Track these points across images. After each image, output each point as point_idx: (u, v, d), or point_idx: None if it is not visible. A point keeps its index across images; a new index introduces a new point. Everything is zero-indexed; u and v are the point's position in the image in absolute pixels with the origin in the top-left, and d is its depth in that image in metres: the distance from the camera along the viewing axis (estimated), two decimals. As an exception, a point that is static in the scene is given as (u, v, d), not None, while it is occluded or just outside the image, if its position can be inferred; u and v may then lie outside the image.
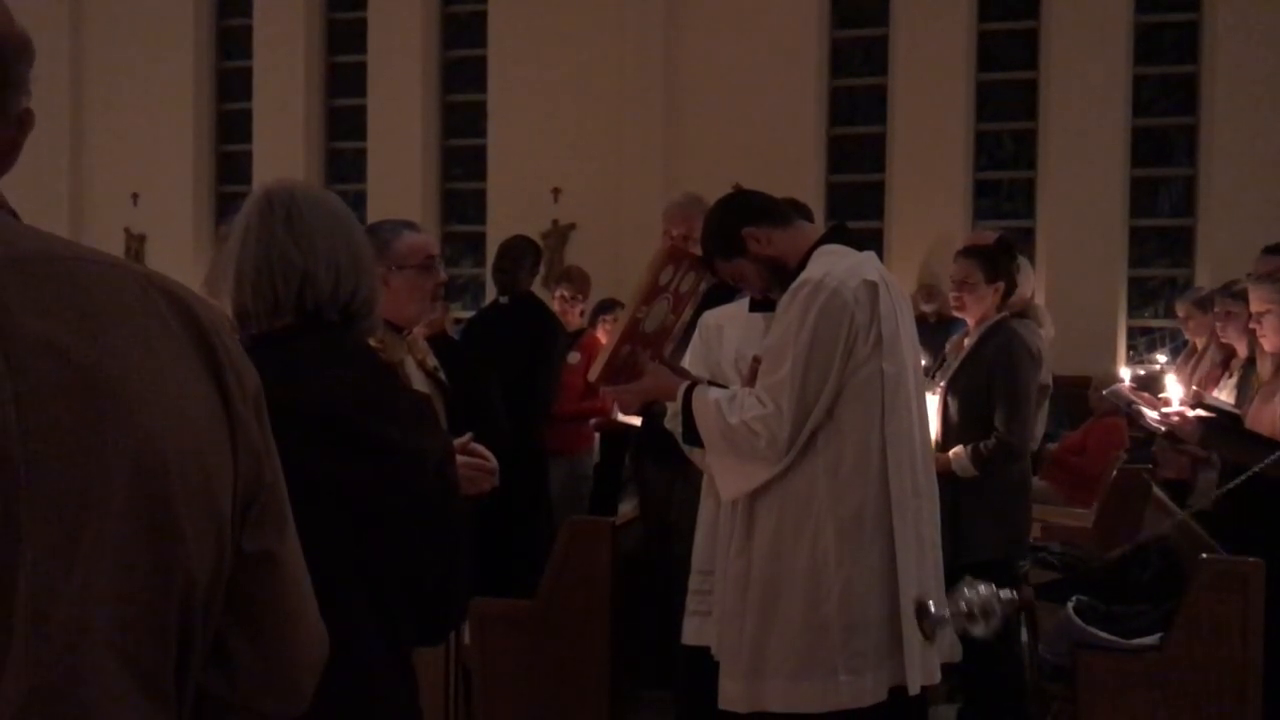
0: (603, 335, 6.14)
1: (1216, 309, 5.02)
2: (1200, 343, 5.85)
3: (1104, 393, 4.76)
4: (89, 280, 0.88)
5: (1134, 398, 4.42)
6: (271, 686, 1.03)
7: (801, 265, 2.75)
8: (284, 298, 1.58)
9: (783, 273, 2.78)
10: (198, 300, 0.97)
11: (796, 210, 3.11)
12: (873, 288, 2.65)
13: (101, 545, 0.83)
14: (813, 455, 2.66)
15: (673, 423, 2.86)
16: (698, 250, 3.03)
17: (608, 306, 6.61)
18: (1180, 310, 6.11)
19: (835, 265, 2.69)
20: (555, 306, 5.80)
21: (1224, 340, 4.95)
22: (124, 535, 0.84)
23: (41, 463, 0.81)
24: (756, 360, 2.79)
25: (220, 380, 0.95)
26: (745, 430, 2.64)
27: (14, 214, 0.96)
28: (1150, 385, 5.70)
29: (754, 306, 3.18)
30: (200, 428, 0.91)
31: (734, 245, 2.83)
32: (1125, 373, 5.85)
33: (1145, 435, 5.18)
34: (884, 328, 2.65)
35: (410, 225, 2.83)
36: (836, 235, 2.87)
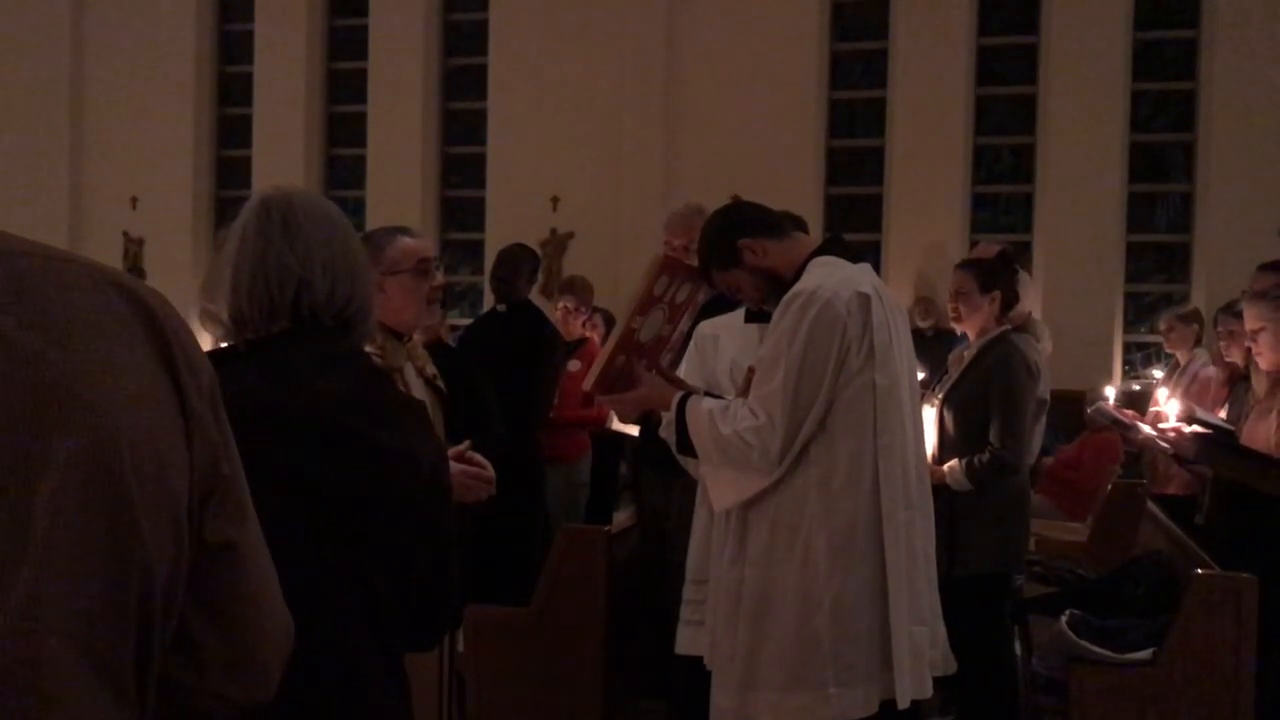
0: (587, 332, 6.14)
1: (1219, 328, 5.05)
2: (1182, 356, 5.90)
3: (1089, 411, 4.77)
4: (40, 274, 0.88)
5: (1119, 415, 4.43)
6: (238, 673, 1.04)
7: (796, 277, 2.76)
8: (279, 303, 1.59)
9: (778, 284, 2.79)
10: (152, 294, 0.97)
11: (792, 223, 3.12)
12: (865, 300, 2.66)
13: (54, 538, 0.82)
14: (805, 467, 2.66)
15: (667, 432, 2.87)
16: (696, 261, 3.04)
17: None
18: (1163, 324, 6.17)
19: (829, 277, 2.69)
20: (558, 317, 5.81)
21: (1228, 359, 4.97)
22: (77, 528, 0.84)
23: None
24: (752, 371, 2.79)
25: (174, 374, 0.94)
26: (738, 441, 2.64)
27: None
28: (1138, 402, 5.73)
29: (750, 317, 3.18)
30: (154, 421, 0.91)
31: (730, 256, 2.84)
32: (1110, 390, 5.88)
33: (1139, 450, 5.19)
34: (876, 340, 2.65)
35: (405, 231, 2.83)
36: (831, 247, 2.87)
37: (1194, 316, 6.02)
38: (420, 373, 2.92)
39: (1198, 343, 5.92)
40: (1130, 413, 4.44)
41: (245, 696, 1.05)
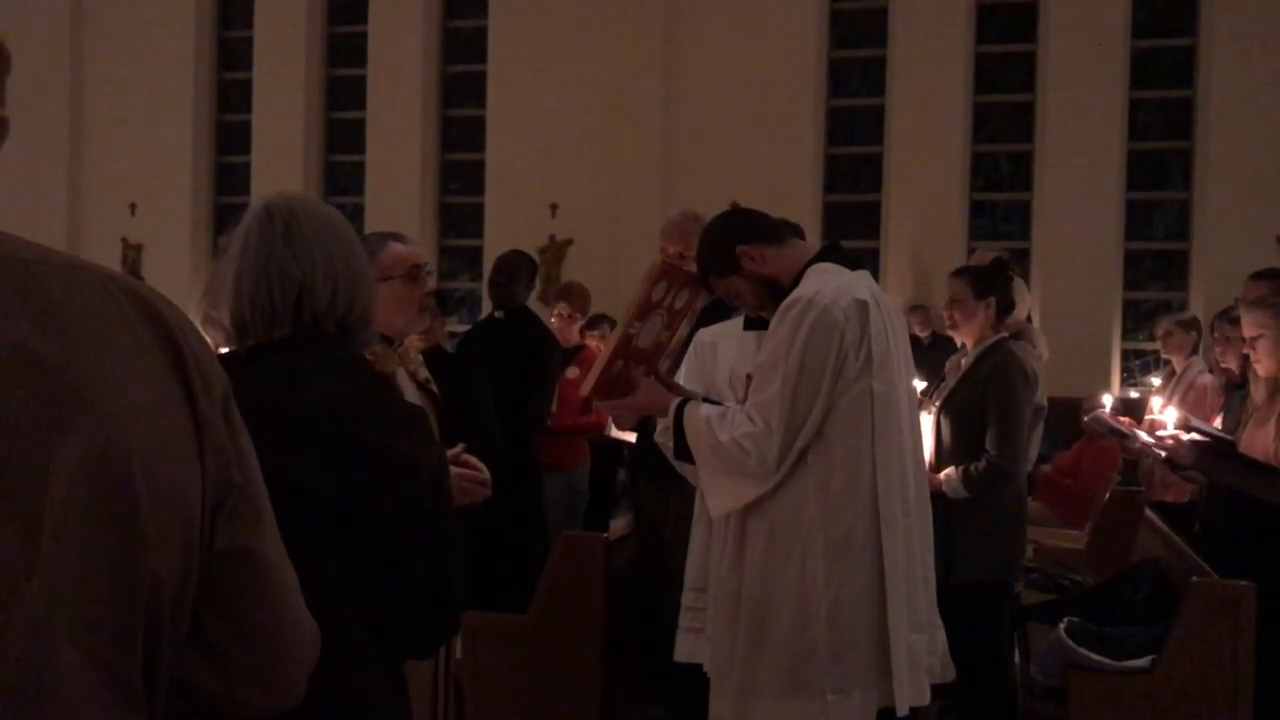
0: (593, 344, 6.15)
1: (1215, 334, 5.06)
2: (1178, 363, 5.91)
3: (1085, 419, 4.77)
4: (51, 281, 0.88)
5: (1115, 423, 4.42)
6: (261, 679, 1.03)
7: (795, 283, 2.76)
8: (281, 309, 1.59)
9: (776, 291, 2.79)
10: (163, 301, 0.97)
11: (790, 230, 3.12)
12: (863, 306, 2.66)
13: (64, 545, 0.82)
14: (803, 473, 2.66)
15: (664, 437, 2.87)
16: (694, 267, 3.04)
17: (595, 322, 6.63)
18: (1161, 329, 6.17)
19: (826, 284, 2.70)
20: (554, 323, 5.81)
21: (1223, 365, 4.97)
22: (87, 536, 0.84)
23: (1, 463, 0.81)
24: (750, 377, 2.80)
25: (186, 381, 0.94)
26: (735, 447, 2.64)
27: None
28: (1136, 409, 5.73)
29: (749, 324, 3.18)
30: (165, 429, 0.91)
31: (729, 262, 2.84)
32: (1107, 398, 5.91)
33: (1136, 457, 5.19)
34: (874, 347, 2.65)
35: (397, 237, 2.83)
36: (829, 254, 2.88)
37: (1193, 324, 6.02)
38: (413, 377, 2.92)
39: (1195, 350, 5.93)
40: (1126, 420, 4.44)
41: (270, 702, 1.05)
